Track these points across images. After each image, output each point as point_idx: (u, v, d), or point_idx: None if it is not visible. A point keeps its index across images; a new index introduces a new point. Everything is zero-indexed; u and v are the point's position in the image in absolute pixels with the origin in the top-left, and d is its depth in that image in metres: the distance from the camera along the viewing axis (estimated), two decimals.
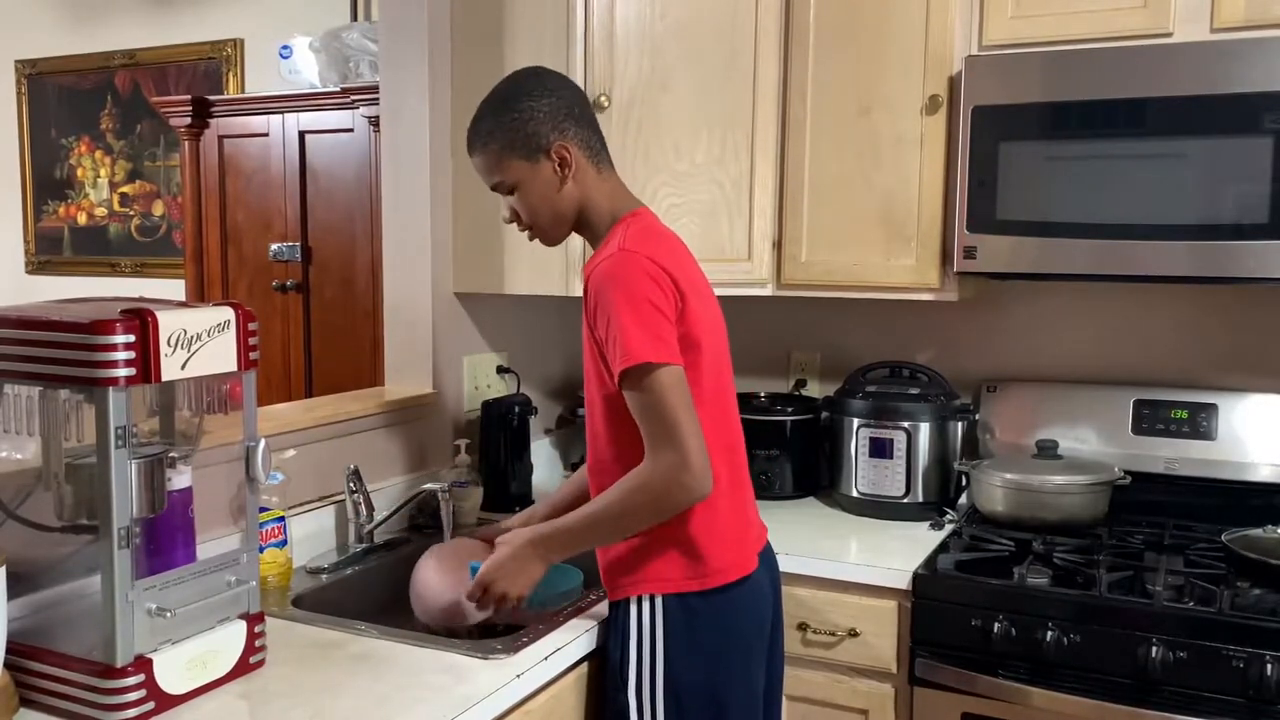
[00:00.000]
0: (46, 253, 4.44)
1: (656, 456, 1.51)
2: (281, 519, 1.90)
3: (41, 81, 4.34)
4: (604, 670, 1.67)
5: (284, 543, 1.91)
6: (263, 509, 1.85)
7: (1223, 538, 2.01)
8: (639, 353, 1.50)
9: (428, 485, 2.09)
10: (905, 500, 2.31)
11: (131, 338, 1.27)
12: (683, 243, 1.72)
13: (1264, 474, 2.21)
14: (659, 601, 1.60)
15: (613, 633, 1.65)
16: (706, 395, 1.61)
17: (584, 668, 1.67)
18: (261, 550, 1.85)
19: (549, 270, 2.26)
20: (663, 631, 1.60)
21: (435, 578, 1.79)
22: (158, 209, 4.17)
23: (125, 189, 4.22)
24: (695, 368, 1.59)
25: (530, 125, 1.62)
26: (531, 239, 1.73)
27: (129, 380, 1.27)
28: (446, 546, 1.89)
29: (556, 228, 1.70)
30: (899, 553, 2.06)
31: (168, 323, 1.31)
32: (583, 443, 1.78)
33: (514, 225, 1.73)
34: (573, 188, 1.65)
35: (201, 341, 1.36)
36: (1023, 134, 2.09)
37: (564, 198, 1.66)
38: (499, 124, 1.65)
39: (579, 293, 2.24)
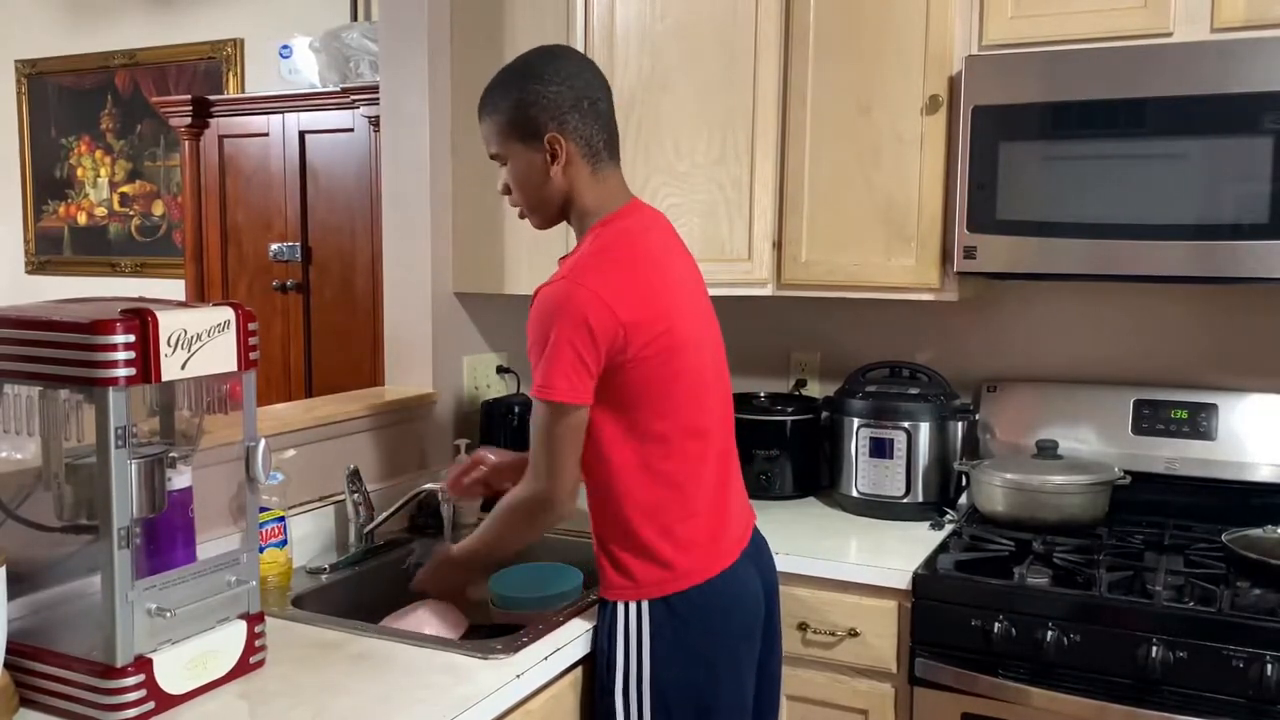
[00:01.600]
0: (46, 253, 4.44)
1: (530, 481, 1.64)
2: (281, 519, 1.90)
3: (41, 81, 4.34)
4: (594, 672, 1.67)
5: (284, 542, 1.91)
6: (262, 509, 1.85)
7: (1223, 538, 2.01)
8: (554, 390, 1.55)
9: (428, 485, 2.09)
10: (905, 500, 2.31)
11: (131, 338, 1.27)
12: (668, 237, 1.72)
13: (1264, 474, 2.21)
14: (644, 604, 1.61)
15: (600, 634, 1.65)
16: (680, 392, 1.62)
17: (583, 668, 1.67)
18: (261, 550, 1.85)
19: (549, 270, 2.24)
20: (649, 634, 1.60)
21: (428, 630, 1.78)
22: (158, 209, 4.17)
23: (125, 189, 4.22)
24: (668, 366, 1.59)
25: (532, 110, 1.61)
26: (520, 216, 1.75)
27: (129, 380, 1.27)
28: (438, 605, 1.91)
29: (540, 212, 1.71)
30: (899, 553, 2.06)
31: (168, 323, 1.31)
32: None
33: (507, 198, 1.75)
34: (560, 180, 1.65)
35: (201, 341, 1.36)
36: (1023, 134, 2.09)
37: (550, 187, 1.66)
38: (506, 99, 1.64)
39: None
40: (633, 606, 1.61)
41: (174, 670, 1.35)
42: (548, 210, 1.70)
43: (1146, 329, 2.40)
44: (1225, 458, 2.24)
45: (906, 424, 2.30)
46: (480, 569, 1.85)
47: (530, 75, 1.63)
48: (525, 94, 1.62)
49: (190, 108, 3.21)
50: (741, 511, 1.77)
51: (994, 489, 2.21)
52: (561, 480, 1.61)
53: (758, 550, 1.76)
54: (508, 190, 1.72)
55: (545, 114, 1.61)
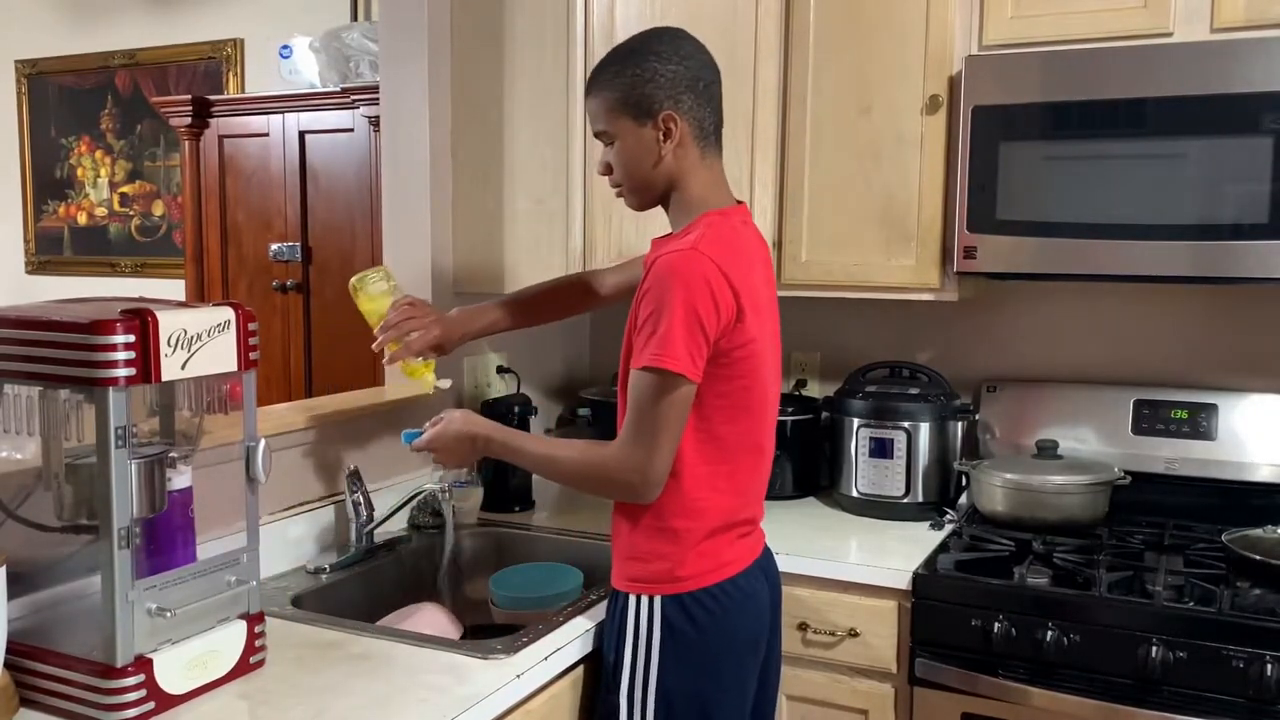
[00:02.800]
0: (46, 253, 4.44)
1: (627, 449, 1.55)
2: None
3: (41, 81, 4.34)
4: (598, 670, 1.67)
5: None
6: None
7: (1223, 538, 2.01)
8: (672, 358, 1.50)
9: (428, 485, 2.09)
10: (905, 500, 2.31)
11: (131, 338, 1.27)
12: (762, 248, 1.70)
13: (1264, 474, 2.21)
14: (657, 604, 1.60)
15: (609, 630, 1.64)
16: (744, 412, 1.61)
17: (583, 668, 1.67)
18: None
19: (549, 270, 2.26)
20: (659, 637, 1.59)
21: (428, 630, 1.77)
22: (158, 209, 4.17)
23: (125, 189, 4.22)
24: (737, 381, 1.58)
25: (648, 87, 1.58)
26: (618, 195, 1.71)
27: (129, 380, 1.27)
28: (439, 605, 1.90)
29: (643, 193, 1.67)
30: (899, 553, 2.06)
31: (168, 323, 1.31)
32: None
33: (605, 180, 1.71)
34: (671, 161, 1.61)
35: (201, 341, 1.36)
36: (1023, 134, 2.09)
37: (659, 167, 1.62)
38: (619, 75, 1.60)
39: None
40: (644, 601, 1.60)
41: (174, 670, 1.35)
42: (651, 192, 1.66)
43: (1146, 329, 2.40)
44: (1225, 458, 2.24)
45: (906, 424, 2.30)
46: (495, 457, 1.77)
47: (647, 51, 1.60)
48: (641, 71, 1.58)
49: (190, 108, 3.21)
50: (759, 526, 1.76)
51: (994, 489, 2.21)
52: (659, 458, 1.53)
53: (768, 559, 1.76)
54: (608, 170, 1.68)
55: (661, 91, 1.58)
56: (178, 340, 1.32)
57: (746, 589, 1.65)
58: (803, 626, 2.04)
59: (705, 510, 1.60)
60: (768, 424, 1.70)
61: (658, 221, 1.74)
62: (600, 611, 1.70)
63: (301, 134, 3.06)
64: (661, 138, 1.59)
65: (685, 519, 1.59)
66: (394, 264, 2.37)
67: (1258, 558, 1.91)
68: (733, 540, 1.65)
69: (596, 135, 1.67)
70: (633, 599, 1.61)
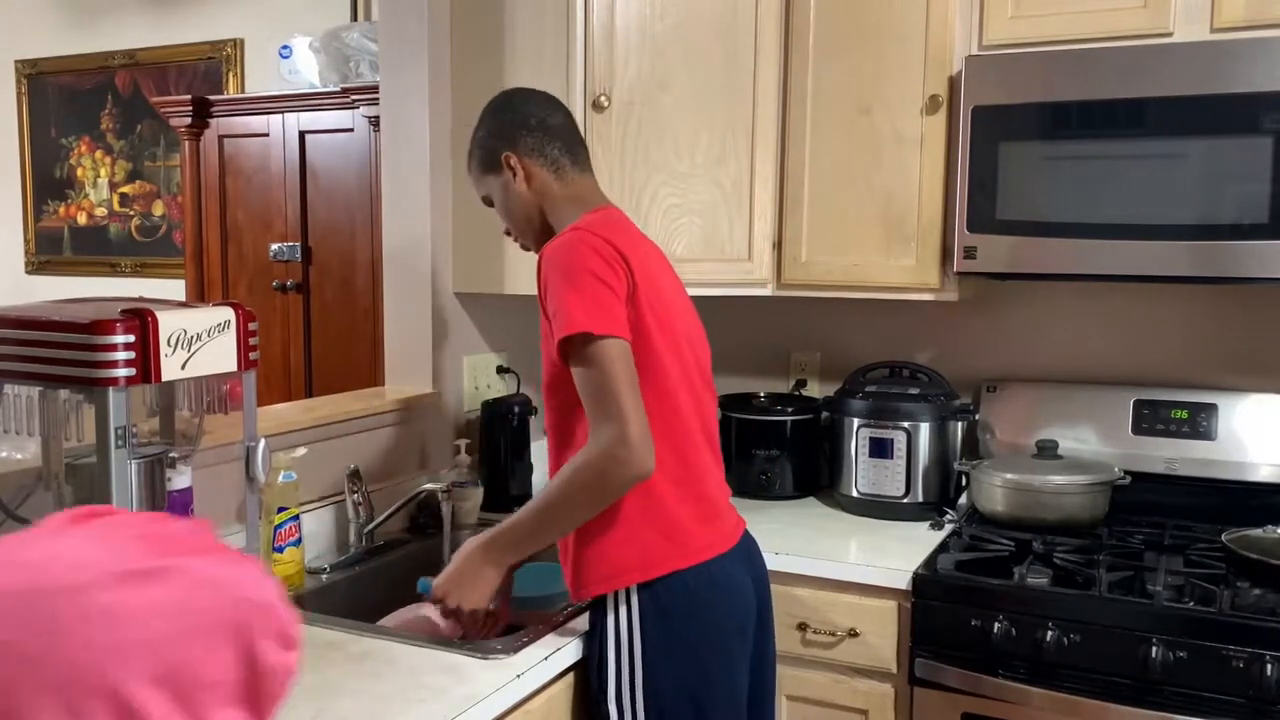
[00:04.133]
0: (46, 253, 4.44)
1: (597, 433, 1.50)
2: (297, 517, 1.90)
3: (41, 81, 4.34)
4: (585, 681, 1.65)
5: (299, 541, 1.90)
6: (281, 509, 1.85)
7: (1223, 538, 2.01)
8: (580, 322, 1.50)
9: (428, 485, 2.09)
10: (905, 500, 2.31)
11: (131, 338, 1.27)
12: (649, 242, 1.73)
13: (1264, 474, 2.21)
14: (633, 599, 1.58)
15: (591, 640, 1.63)
16: (657, 383, 1.59)
17: (580, 669, 1.67)
18: (281, 550, 1.85)
19: None
20: (640, 633, 1.58)
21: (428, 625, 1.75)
22: (158, 209, 4.17)
23: (125, 189, 4.22)
24: (646, 353, 1.58)
25: (488, 141, 1.76)
26: (522, 247, 1.82)
27: (129, 380, 1.27)
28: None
29: (527, 230, 1.78)
30: (899, 553, 2.06)
31: (168, 323, 1.31)
32: None
33: (509, 238, 1.85)
34: (528, 193, 1.74)
35: (201, 341, 1.36)
36: (1023, 134, 2.09)
37: (521, 202, 1.75)
38: (472, 143, 1.81)
39: None
40: (621, 603, 1.59)
41: None
42: (531, 227, 1.77)
43: (1147, 329, 2.40)
44: (1225, 458, 2.24)
45: (906, 424, 2.30)
46: (519, 561, 1.66)
47: (482, 119, 1.80)
48: (482, 130, 1.78)
49: (190, 108, 3.21)
50: (729, 509, 1.73)
51: (994, 489, 2.21)
52: (631, 421, 1.48)
53: (748, 552, 1.73)
54: (508, 231, 1.82)
55: (497, 141, 1.75)
56: (178, 340, 1.32)
57: (721, 578, 1.63)
58: (802, 626, 2.04)
59: (644, 487, 1.55)
60: (691, 389, 1.66)
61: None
62: (578, 624, 1.69)
63: (301, 134, 3.06)
64: (513, 177, 1.73)
65: (627, 499, 1.56)
66: (394, 264, 2.37)
67: (1258, 558, 1.91)
68: (695, 521, 1.62)
69: (484, 201, 1.83)
70: (609, 600, 1.60)
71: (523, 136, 1.74)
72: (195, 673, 0.55)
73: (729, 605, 1.65)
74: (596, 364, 1.50)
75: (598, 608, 1.63)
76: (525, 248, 1.82)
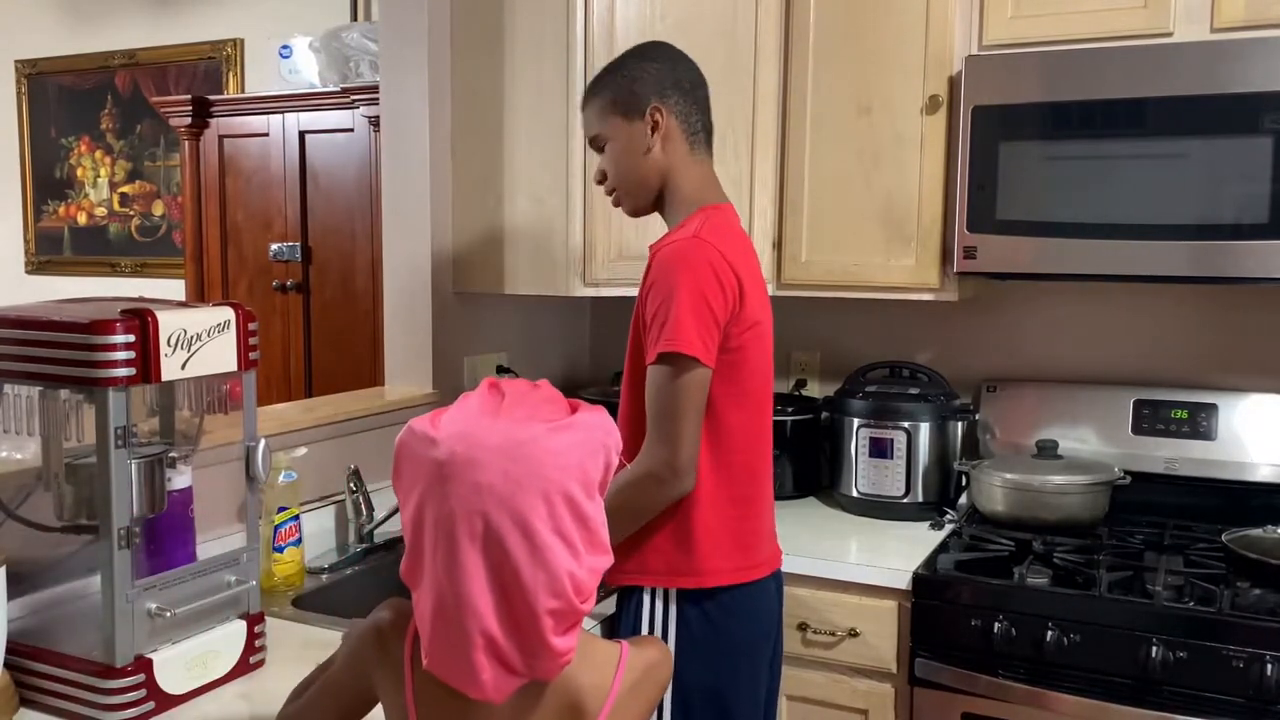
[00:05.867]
0: (46, 253, 4.44)
1: (649, 449, 1.56)
2: (297, 518, 1.90)
3: (41, 81, 4.34)
4: None
5: (299, 541, 1.90)
6: (282, 509, 1.85)
7: (1223, 538, 2.01)
8: (685, 343, 1.52)
9: None
10: (905, 500, 2.31)
11: (131, 338, 1.27)
12: (752, 247, 1.72)
13: (1264, 474, 2.21)
14: (672, 598, 1.60)
15: (623, 627, 1.64)
16: (749, 399, 1.63)
17: None
18: (281, 550, 1.85)
19: (549, 270, 2.26)
20: (675, 632, 1.60)
21: None
22: (158, 209, 4.17)
23: (125, 189, 4.22)
24: (741, 368, 1.60)
25: (635, 85, 1.65)
26: (615, 203, 1.75)
27: (129, 380, 1.27)
28: None
29: (638, 193, 1.70)
30: (899, 553, 2.06)
31: (168, 323, 1.31)
32: None
33: (601, 188, 1.76)
34: (660, 155, 1.66)
35: (201, 341, 1.36)
36: (1023, 134, 2.09)
37: (649, 163, 1.66)
38: (609, 80, 1.69)
39: (579, 293, 2.25)
40: (659, 599, 1.60)
41: (174, 670, 1.35)
42: (645, 190, 1.70)
43: (1146, 329, 2.40)
44: (1225, 458, 2.24)
45: (906, 424, 2.30)
46: None
47: (633, 56, 1.70)
48: (628, 71, 1.67)
49: (190, 108, 3.21)
50: (773, 536, 1.76)
51: (994, 489, 2.21)
52: (685, 446, 1.54)
53: (778, 583, 1.77)
54: (603, 178, 1.73)
55: (647, 87, 1.65)
56: (178, 340, 1.32)
57: (762, 595, 1.67)
58: (803, 626, 2.04)
59: (715, 500, 1.60)
60: (768, 412, 1.71)
61: (657, 221, 1.75)
62: (602, 608, 1.70)
63: (301, 134, 3.06)
64: (650, 131, 1.64)
65: (697, 509, 1.60)
66: (394, 264, 2.37)
67: (1258, 558, 1.91)
68: (752, 541, 1.65)
69: (591, 143, 1.73)
70: (646, 594, 1.61)
71: (675, 94, 1.66)
72: (592, 477, 0.97)
73: (762, 618, 1.68)
74: (679, 385, 1.53)
75: (635, 595, 1.63)
76: (618, 203, 1.74)
